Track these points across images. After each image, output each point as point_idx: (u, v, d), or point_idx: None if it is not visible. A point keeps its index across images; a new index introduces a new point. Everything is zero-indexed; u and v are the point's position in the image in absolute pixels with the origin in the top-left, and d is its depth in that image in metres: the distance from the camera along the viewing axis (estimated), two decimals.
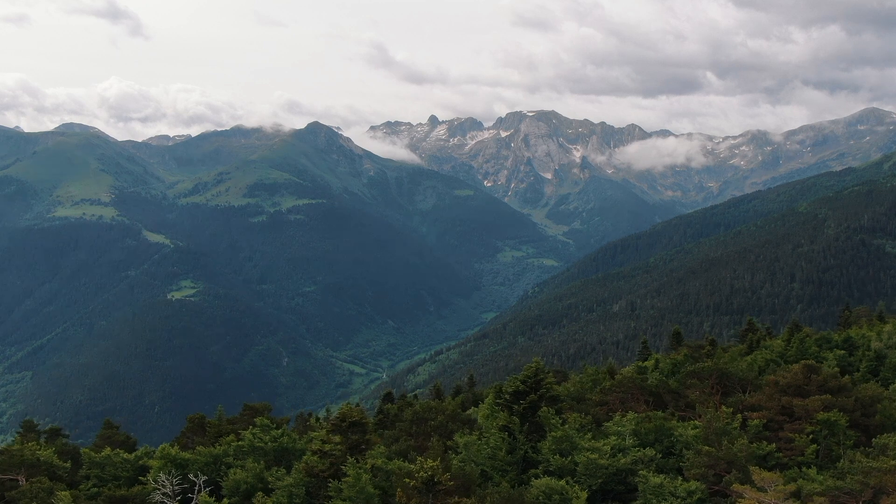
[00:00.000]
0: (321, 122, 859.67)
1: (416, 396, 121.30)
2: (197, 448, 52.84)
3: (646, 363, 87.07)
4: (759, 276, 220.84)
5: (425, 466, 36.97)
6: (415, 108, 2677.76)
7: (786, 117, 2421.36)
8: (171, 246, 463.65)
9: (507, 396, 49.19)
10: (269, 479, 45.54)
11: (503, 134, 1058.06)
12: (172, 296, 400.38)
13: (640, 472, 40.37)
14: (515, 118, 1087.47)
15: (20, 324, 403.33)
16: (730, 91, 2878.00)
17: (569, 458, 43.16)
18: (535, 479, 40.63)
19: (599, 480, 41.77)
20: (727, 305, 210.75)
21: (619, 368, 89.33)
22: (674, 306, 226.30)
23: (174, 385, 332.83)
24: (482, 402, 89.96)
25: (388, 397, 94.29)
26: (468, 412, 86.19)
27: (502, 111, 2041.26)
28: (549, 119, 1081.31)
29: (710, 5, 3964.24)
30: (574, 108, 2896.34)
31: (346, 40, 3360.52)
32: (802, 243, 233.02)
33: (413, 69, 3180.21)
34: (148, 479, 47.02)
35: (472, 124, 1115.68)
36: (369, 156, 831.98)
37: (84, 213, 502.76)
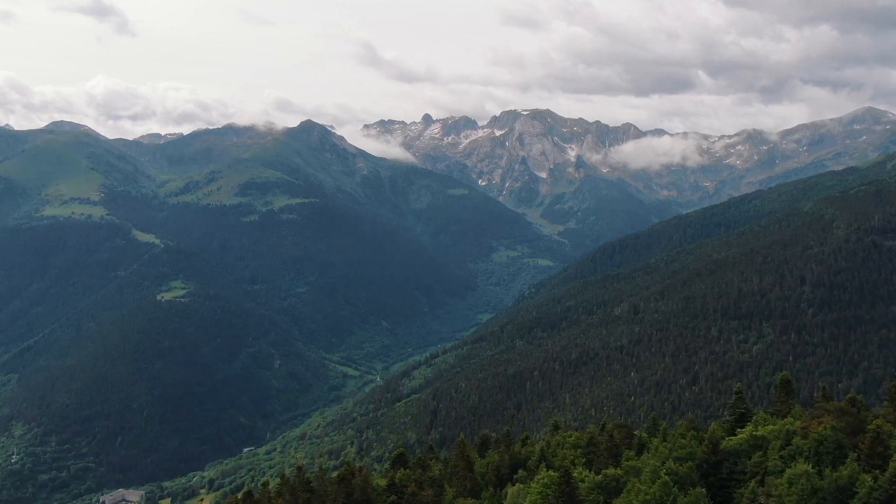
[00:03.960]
0: (313, 120, 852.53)
1: (431, 447, 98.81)
2: None
3: (757, 432, 65.13)
4: (767, 278, 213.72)
5: None
6: (406, 106, 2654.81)
7: (779, 116, 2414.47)
8: (161, 246, 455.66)
9: None
10: None
11: (498, 133, 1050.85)
12: (162, 297, 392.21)
13: None
14: (510, 117, 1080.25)
15: (7, 325, 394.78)
16: (722, 90, 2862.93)
17: None
18: None
19: None
20: (735, 309, 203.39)
21: (691, 421, 72.96)
22: (679, 310, 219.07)
23: (163, 388, 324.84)
24: (523, 468, 75.43)
25: (399, 460, 77.82)
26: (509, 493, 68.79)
27: (493, 110, 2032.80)
28: (543, 118, 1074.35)
29: (701, 4, 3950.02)
30: (566, 107, 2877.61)
31: (335, 39, 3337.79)
32: (812, 245, 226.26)
33: (403, 68, 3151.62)
34: None
35: (467, 123, 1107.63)
36: (363, 154, 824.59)
37: (73, 213, 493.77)
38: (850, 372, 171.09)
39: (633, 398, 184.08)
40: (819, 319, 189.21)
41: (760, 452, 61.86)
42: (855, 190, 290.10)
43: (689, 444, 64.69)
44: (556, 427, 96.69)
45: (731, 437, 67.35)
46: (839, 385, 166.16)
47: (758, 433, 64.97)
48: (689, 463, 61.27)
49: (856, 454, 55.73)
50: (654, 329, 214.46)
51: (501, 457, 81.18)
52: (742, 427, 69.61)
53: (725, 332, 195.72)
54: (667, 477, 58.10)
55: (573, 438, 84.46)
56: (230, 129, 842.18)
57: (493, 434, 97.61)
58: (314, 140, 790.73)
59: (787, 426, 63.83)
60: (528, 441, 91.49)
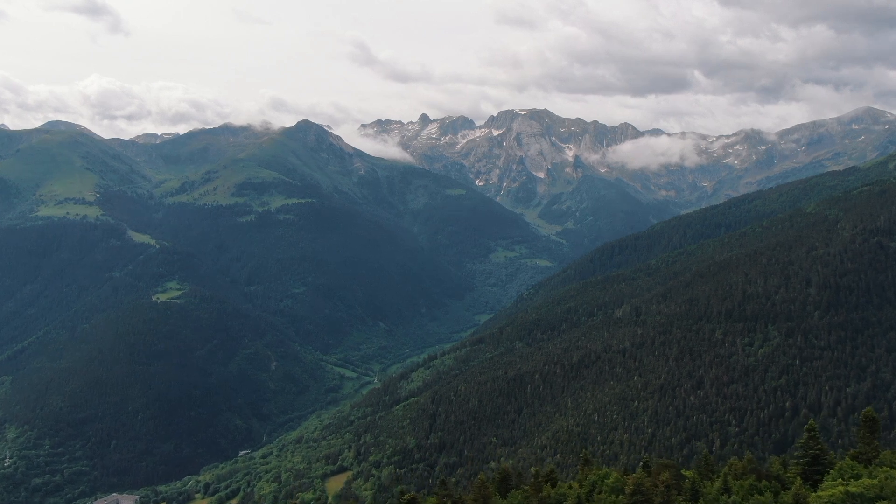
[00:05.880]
0: (309, 120, 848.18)
1: (443, 482, 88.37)
2: None
3: (851, 487, 53.49)
4: (772, 280, 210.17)
5: None
6: (401, 106, 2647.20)
7: (776, 116, 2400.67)
8: (157, 246, 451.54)
9: None
10: None
11: (495, 133, 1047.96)
12: (157, 298, 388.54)
13: None
14: (507, 117, 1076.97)
15: (0, 326, 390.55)
16: (718, 90, 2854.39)
17: None
18: None
19: None
20: (740, 312, 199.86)
21: (750, 461, 63.98)
22: (682, 312, 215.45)
23: (159, 390, 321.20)
24: None
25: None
26: None
27: (489, 110, 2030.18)
28: (541, 118, 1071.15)
29: (696, 4, 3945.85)
30: (562, 106, 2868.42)
31: (329, 38, 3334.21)
32: (817, 246, 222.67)
33: (397, 67, 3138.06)
34: None
35: (464, 123, 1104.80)
36: (360, 154, 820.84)
37: (68, 213, 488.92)
38: (858, 376, 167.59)
39: (636, 403, 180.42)
40: (825, 322, 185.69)
41: None
42: (858, 190, 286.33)
43: (768, 500, 54.69)
44: (586, 461, 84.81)
45: (820, 493, 56.60)
46: (847, 389, 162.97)
47: (852, 489, 53.76)
48: None
49: None
50: (657, 332, 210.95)
51: (528, 502, 72.05)
52: (818, 472, 59.56)
53: (730, 335, 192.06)
54: None
55: (612, 480, 73.65)
56: (226, 129, 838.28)
57: (510, 464, 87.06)
58: (311, 140, 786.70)
59: (890, 482, 53.77)
60: (557, 479, 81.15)
